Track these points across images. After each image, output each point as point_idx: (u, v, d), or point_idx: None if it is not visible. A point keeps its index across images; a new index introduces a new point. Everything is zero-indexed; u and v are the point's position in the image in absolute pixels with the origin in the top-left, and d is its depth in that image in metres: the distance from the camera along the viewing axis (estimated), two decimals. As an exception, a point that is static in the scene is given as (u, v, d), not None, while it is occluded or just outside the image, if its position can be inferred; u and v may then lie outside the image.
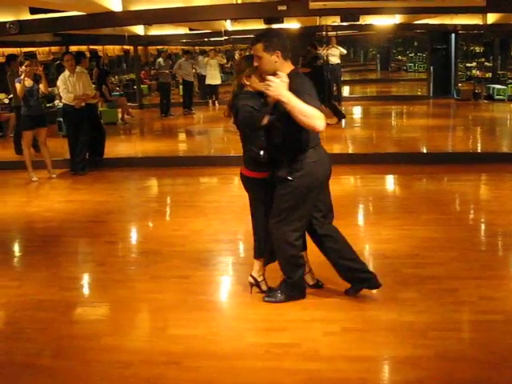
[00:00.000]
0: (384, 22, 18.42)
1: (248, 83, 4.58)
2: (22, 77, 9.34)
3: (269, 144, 4.54)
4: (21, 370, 4.07)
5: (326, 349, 4.15)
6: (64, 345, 4.37)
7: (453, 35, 19.10)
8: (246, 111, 4.46)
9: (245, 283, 5.11)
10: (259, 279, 4.97)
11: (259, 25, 16.75)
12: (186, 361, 4.07)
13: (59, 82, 10.07)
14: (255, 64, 4.44)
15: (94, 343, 4.38)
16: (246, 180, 4.91)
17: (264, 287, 4.97)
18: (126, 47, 23.25)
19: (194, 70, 18.60)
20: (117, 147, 12.35)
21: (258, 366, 3.96)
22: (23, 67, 9.51)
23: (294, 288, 4.83)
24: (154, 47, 25.23)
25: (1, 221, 7.87)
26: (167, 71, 17.48)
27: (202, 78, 19.26)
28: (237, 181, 9.47)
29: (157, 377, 3.90)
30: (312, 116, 4.08)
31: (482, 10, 13.82)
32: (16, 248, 7.03)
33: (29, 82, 9.47)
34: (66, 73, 10.04)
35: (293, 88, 4.16)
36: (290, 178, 4.46)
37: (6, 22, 10.40)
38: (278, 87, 4.11)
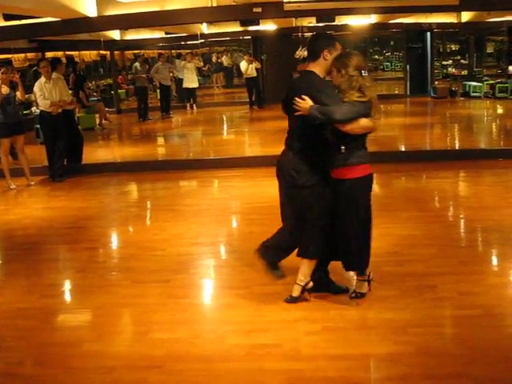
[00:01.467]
0: (359, 21, 18.58)
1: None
2: None
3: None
4: (2, 379, 4.04)
5: (308, 348, 4.17)
6: (46, 352, 4.35)
7: (428, 34, 19.28)
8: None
9: (225, 285, 5.13)
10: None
11: (235, 27, 16.83)
12: (168, 364, 4.07)
13: (35, 89, 10.01)
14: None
15: (75, 350, 4.36)
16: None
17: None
18: (102, 52, 23.18)
19: (171, 74, 18.57)
20: (95, 153, 12.31)
21: (241, 368, 3.97)
22: None
23: None
24: (130, 52, 25.20)
25: (-21, 229, 7.80)
26: (144, 75, 17.45)
27: (179, 81, 19.27)
28: (216, 184, 9.55)
29: (140, 381, 3.90)
30: None
31: (456, 9, 13.98)
32: (-5, 256, 6.97)
33: (5, 90, 9.40)
34: (42, 79, 9.98)
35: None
36: None
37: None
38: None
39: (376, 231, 6.44)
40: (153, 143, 14.47)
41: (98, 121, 16.21)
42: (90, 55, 23.08)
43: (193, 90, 19.01)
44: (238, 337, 4.39)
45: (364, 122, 4.44)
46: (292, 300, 4.80)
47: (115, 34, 18.02)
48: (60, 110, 10.06)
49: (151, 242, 6.66)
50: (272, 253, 4.93)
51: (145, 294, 5.25)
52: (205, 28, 18.37)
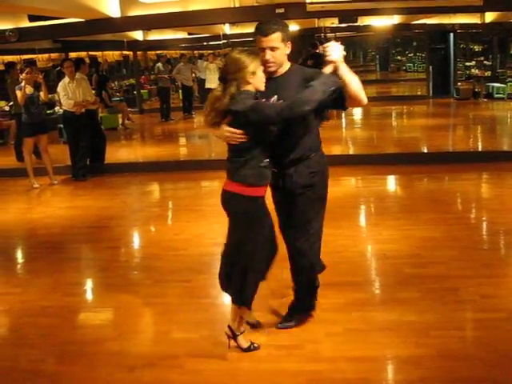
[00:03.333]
0: (382, 22, 18.50)
1: (252, 82, 3.85)
2: (23, 84, 9.37)
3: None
4: (25, 376, 4.09)
5: (328, 350, 4.16)
6: (68, 350, 4.39)
7: (451, 35, 19.12)
8: (267, 106, 3.87)
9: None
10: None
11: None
12: (188, 364, 4.09)
13: (59, 89, 10.11)
14: (267, 57, 3.91)
15: (97, 348, 4.40)
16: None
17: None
18: (125, 52, 23.33)
19: (193, 75, 18.61)
20: (117, 152, 12.39)
21: (260, 368, 3.97)
22: (23, 74, 9.55)
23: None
24: (153, 52, 25.30)
25: (3, 228, 7.88)
26: (166, 76, 17.53)
27: (201, 81, 19.29)
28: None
29: (160, 380, 3.93)
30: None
31: (480, 9, 13.87)
32: (18, 255, 7.04)
33: (29, 90, 9.50)
34: (66, 79, 10.08)
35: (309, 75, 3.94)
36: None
37: (5, 30, 10.45)
38: (338, 50, 3.87)
39: (397, 233, 6.48)
40: (175, 143, 14.51)
41: (120, 121, 16.33)
42: (112, 55, 23.24)
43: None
44: (258, 337, 4.38)
45: None
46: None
47: (138, 35, 18.10)
48: (83, 110, 10.14)
49: (173, 242, 6.69)
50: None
51: (166, 294, 5.28)
52: (227, 28, 18.40)
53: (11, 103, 12.22)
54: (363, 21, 17.88)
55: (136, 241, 7.38)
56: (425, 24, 18.63)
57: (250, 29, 17.93)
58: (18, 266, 6.57)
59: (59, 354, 4.36)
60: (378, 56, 31.05)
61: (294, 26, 17.46)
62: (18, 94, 9.46)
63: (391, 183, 9.31)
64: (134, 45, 19.09)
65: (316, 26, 17.59)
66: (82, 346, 4.44)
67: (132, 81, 22.15)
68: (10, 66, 11.89)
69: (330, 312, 4.70)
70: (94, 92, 11.98)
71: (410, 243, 6.17)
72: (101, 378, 4.01)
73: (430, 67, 19.28)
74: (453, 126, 15.02)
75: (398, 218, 7.15)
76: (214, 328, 4.62)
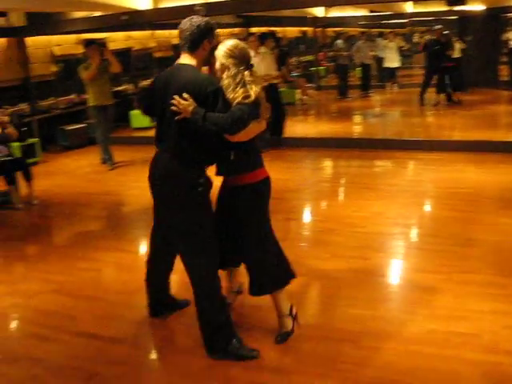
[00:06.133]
0: None
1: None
2: None
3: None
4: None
5: (507, 342, 4.02)
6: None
7: None
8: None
9: (424, 269, 5.12)
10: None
11: (440, 7, 16.26)
12: (363, 340, 4.13)
13: (244, 62, 10.38)
14: None
15: (273, 315, 4.50)
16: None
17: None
18: (303, 29, 23.50)
19: (372, 53, 18.41)
20: (294, 127, 12.55)
21: (437, 353, 3.92)
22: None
23: None
24: (331, 29, 25.29)
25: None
26: (345, 53, 17.46)
27: (380, 60, 19.05)
28: (414, 165, 9.40)
29: (334, 353, 3.99)
30: None
31: None
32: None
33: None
34: (251, 53, 10.32)
35: None
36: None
37: (194, 5, 10.88)
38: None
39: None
40: (350, 121, 14.47)
41: (298, 96, 16.54)
42: (292, 31, 23.48)
43: (394, 69, 18.74)
44: (435, 322, 4.34)
45: (253, 127, 3.88)
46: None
47: (319, 11, 18.16)
48: (266, 84, 10.37)
49: (351, 219, 6.73)
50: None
51: (342, 269, 5.35)
52: (409, 7, 17.98)
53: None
54: None
55: (313, 214, 7.48)
56: None
57: (432, 7, 17.50)
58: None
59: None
60: None
61: (478, 6, 16.71)
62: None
63: None
64: (314, 21, 19.20)
65: (504, 5, 16.61)
66: (260, 311, 4.57)
67: (310, 57, 22.30)
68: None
69: (507, 304, 4.55)
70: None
71: None
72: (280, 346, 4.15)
73: None
74: None
75: None
76: (389, 307, 4.65)
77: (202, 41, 3.87)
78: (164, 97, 3.83)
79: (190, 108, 3.68)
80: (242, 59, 3.87)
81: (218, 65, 3.91)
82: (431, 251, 5.65)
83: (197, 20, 3.85)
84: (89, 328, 4.56)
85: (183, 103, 3.69)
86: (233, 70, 3.84)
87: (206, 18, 3.91)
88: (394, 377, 3.71)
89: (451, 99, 14.49)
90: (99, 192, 8.79)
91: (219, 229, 4.09)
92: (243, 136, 3.84)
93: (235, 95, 3.78)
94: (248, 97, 3.77)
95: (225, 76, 3.86)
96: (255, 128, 3.92)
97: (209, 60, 3.98)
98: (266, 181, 4.17)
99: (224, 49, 3.89)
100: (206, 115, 3.68)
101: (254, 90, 3.80)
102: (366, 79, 18.01)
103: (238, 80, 3.81)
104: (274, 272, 4.18)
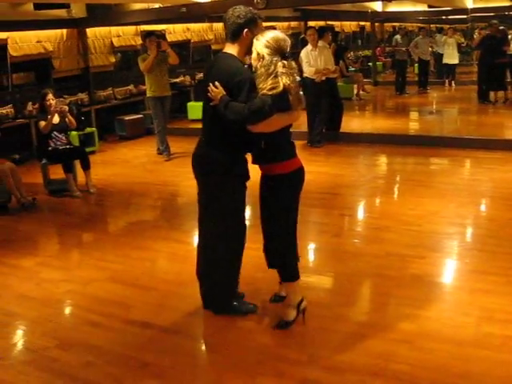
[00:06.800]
0: None
1: None
2: None
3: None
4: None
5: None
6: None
7: None
8: None
9: (481, 270, 5.03)
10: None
11: (503, 2, 15.89)
12: (418, 341, 4.05)
13: (302, 55, 10.34)
14: None
15: (327, 311, 4.52)
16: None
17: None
18: (361, 23, 23.29)
19: (430, 49, 18.12)
20: (351, 122, 12.46)
21: (493, 357, 3.82)
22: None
23: None
24: (389, 24, 24.99)
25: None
26: (404, 49, 17.23)
27: (438, 56, 18.74)
28: (473, 164, 9.21)
29: (389, 353, 3.92)
30: None
31: None
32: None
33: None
34: (309, 47, 10.31)
35: None
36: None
37: (253, -2, 10.86)
38: None
39: None
40: (407, 117, 14.30)
41: (355, 91, 16.41)
42: (349, 26, 23.30)
43: (453, 66, 18.39)
44: (492, 325, 4.23)
45: (278, 119, 3.91)
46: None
47: (377, 6, 17.97)
48: (323, 78, 10.32)
49: (406, 216, 6.64)
50: None
51: (395, 267, 5.27)
52: (470, 3, 17.61)
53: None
54: None
55: (369, 211, 7.40)
56: None
57: (494, 3, 17.09)
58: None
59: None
60: None
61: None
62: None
63: None
64: (372, 15, 19.00)
65: None
66: (313, 307, 4.52)
67: (367, 52, 22.10)
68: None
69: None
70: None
71: None
72: (331, 340, 4.12)
73: None
74: None
75: None
76: (444, 308, 4.56)
77: (241, 30, 3.98)
78: (206, 83, 4.00)
79: (219, 96, 3.83)
80: (276, 50, 3.88)
81: (254, 54, 3.96)
82: (489, 252, 5.52)
83: (239, 10, 3.99)
84: (141, 317, 4.60)
85: (215, 90, 3.86)
86: (266, 61, 3.85)
87: (249, 8, 4.02)
88: (448, 380, 3.62)
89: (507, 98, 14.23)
90: (155, 182, 8.87)
91: (261, 220, 4.31)
92: (265, 127, 3.89)
93: (264, 85, 3.81)
94: (275, 88, 3.79)
95: (259, 66, 3.90)
96: (282, 119, 3.96)
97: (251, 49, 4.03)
98: (298, 171, 4.22)
99: (261, 39, 3.92)
100: (229, 104, 3.81)
101: (283, 82, 3.80)
102: (424, 75, 17.72)
103: (270, 71, 3.82)
104: (293, 264, 4.34)
